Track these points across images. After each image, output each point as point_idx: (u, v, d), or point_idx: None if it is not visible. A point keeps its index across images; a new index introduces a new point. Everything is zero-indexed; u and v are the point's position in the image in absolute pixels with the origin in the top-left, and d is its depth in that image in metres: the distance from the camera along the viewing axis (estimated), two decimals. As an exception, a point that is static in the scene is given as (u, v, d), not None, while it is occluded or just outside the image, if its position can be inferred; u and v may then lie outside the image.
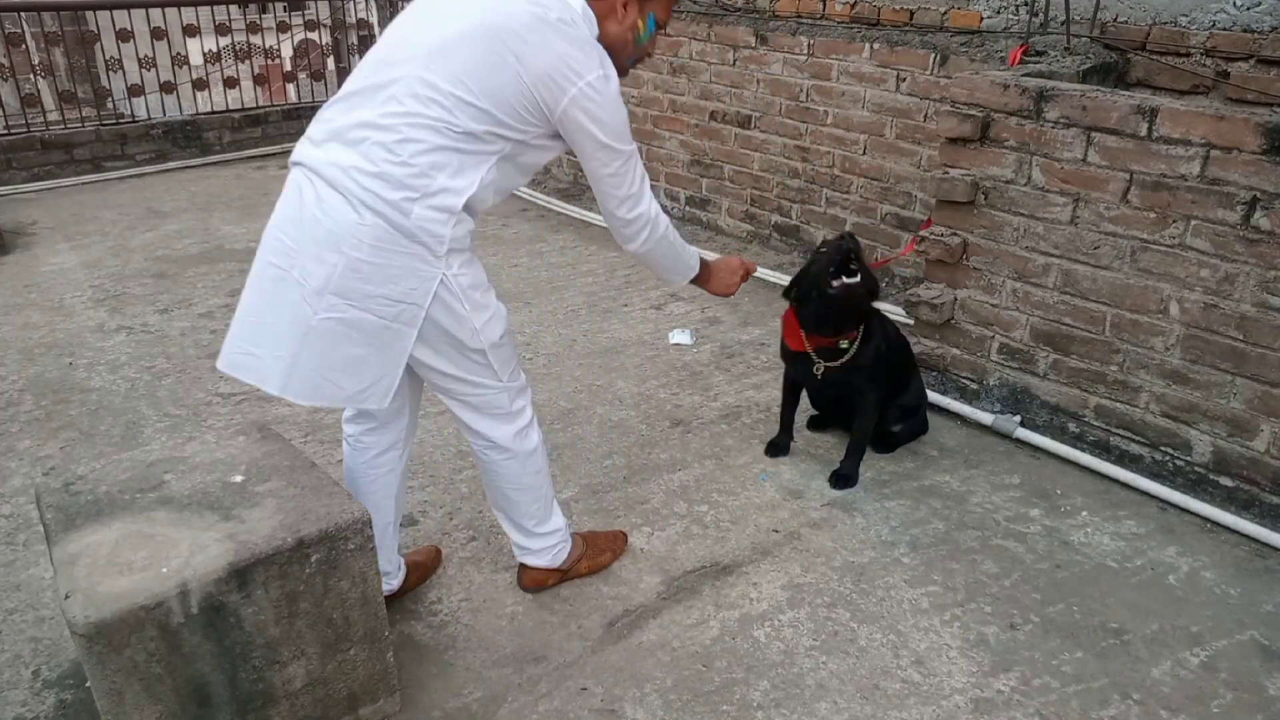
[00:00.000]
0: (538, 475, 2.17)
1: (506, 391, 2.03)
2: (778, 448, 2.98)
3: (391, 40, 1.85)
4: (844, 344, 2.69)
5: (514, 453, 2.09)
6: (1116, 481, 2.83)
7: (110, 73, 6.19)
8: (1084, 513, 2.71)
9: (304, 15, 7.54)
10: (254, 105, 6.88)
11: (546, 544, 2.28)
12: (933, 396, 3.25)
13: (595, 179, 1.90)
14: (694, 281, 2.22)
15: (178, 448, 1.98)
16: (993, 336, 3.12)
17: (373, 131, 1.75)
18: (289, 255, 1.80)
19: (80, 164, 6.11)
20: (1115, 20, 3.51)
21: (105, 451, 2.96)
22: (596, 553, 2.41)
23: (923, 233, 3.17)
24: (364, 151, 1.75)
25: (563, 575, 2.36)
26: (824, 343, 2.71)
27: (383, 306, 1.78)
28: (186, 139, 6.50)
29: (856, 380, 2.74)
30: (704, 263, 2.21)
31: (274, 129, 6.88)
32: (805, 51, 4.30)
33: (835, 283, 2.57)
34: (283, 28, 7.09)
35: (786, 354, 2.86)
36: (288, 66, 7.26)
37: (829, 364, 2.72)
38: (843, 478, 2.81)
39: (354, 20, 7.83)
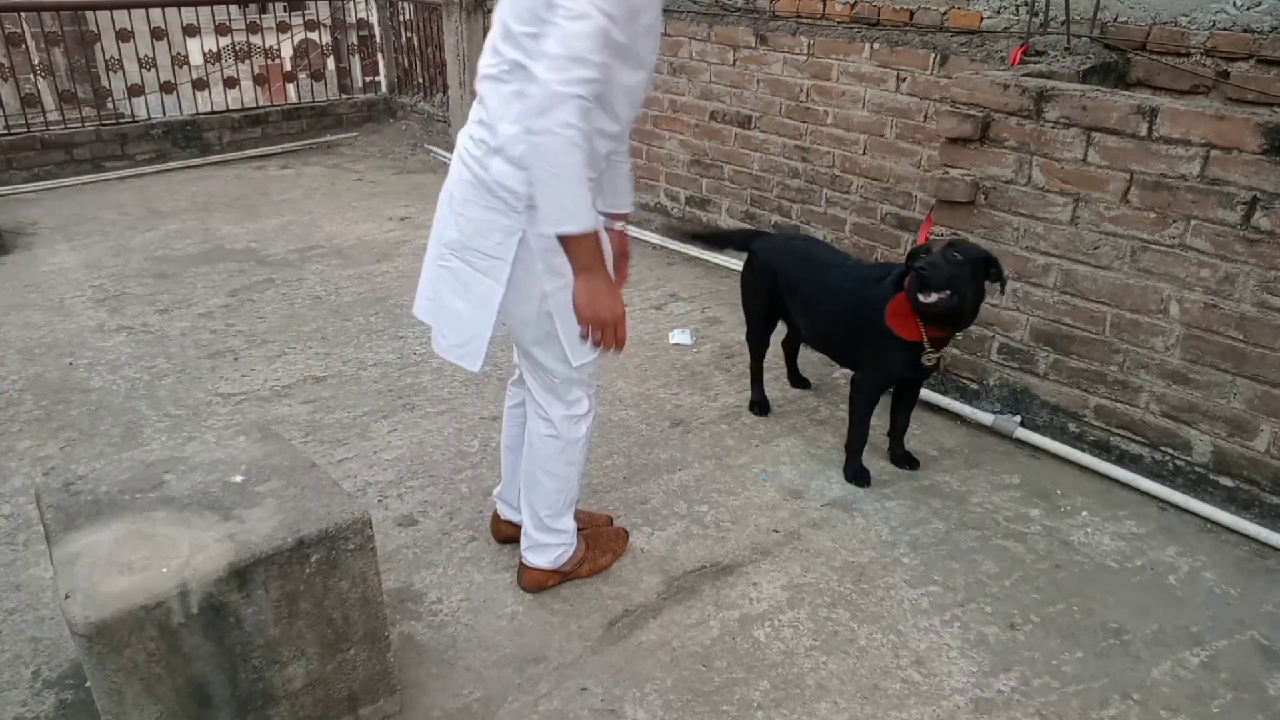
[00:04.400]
0: (570, 467, 2.21)
1: (566, 382, 2.09)
2: (863, 475, 2.83)
3: None
4: (958, 335, 2.72)
5: (560, 434, 2.15)
6: (1116, 481, 2.83)
7: (110, 73, 6.19)
8: (1084, 513, 2.71)
9: (304, 15, 7.55)
10: (254, 105, 6.88)
11: (553, 541, 2.29)
12: (933, 396, 3.25)
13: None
14: (575, 265, 1.86)
15: (178, 448, 1.98)
16: (993, 336, 3.12)
17: (479, 86, 1.91)
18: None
19: (80, 164, 6.11)
20: (1115, 20, 3.51)
21: (105, 451, 2.96)
22: (598, 554, 2.42)
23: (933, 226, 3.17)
24: (473, 110, 1.94)
25: (563, 576, 2.36)
26: (938, 334, 2.61)
27: (476, 259, 1.94)
28: (186, 139, 6.51)
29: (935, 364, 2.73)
30: (592, 248, 1.83)
31: (274, 129, 6.89)
32: (805, 51, 4.30)
33: (923, 298, 2.49)
34: (283, 28, 7.09)
35: (894, 350, 2.67)
36: (288, 66, 7.26)
37: (939, 353, 2.66)
38: (910, 458, 2.91)
39: (354, 20, 7.84)
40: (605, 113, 1.85)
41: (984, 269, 2.53)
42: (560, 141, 1.70)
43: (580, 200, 1.77)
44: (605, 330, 1.90)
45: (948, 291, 2.46)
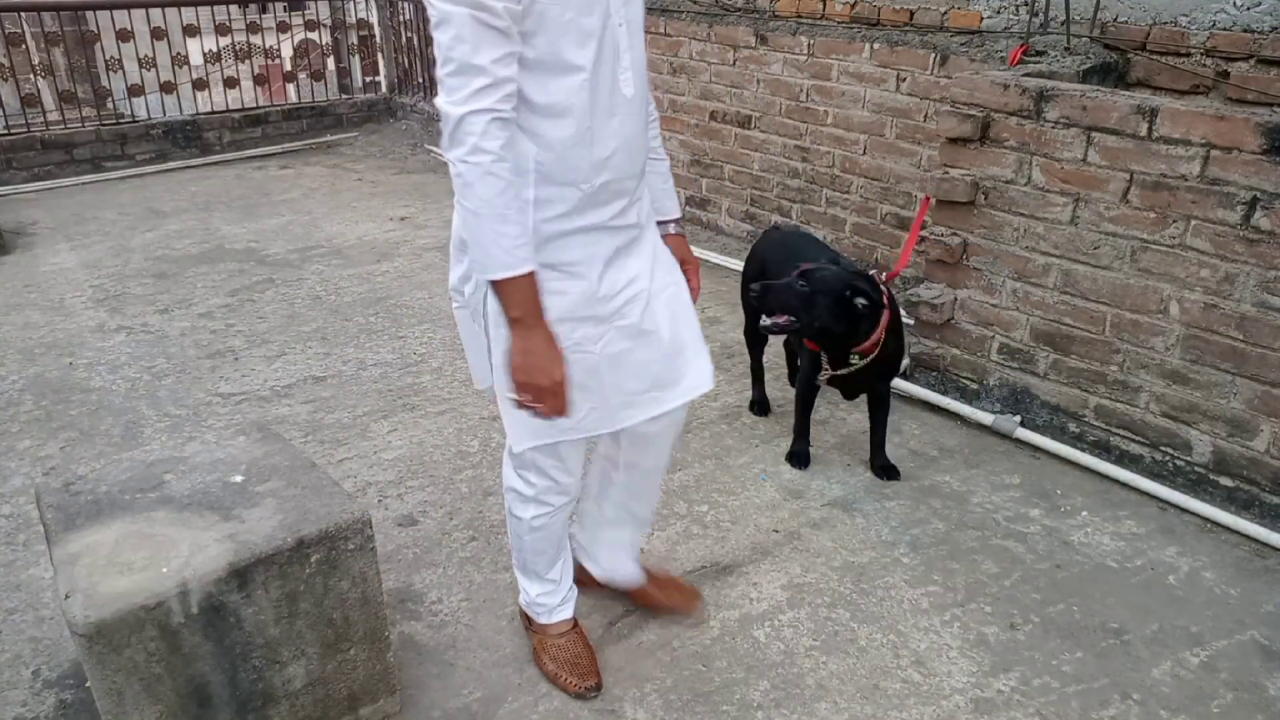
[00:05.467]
0: (514, 536, 2.01)
1: (516, 455, 1.85)
2: (800, 458, 2.91)
3: None
4: (854, 359, 2.66)
5: (505, 494, 1.98)
6: (1116, 481, 2.83)
7: (110, 73, 6.19)
8: (1084, 513, 2.71)
9: (304, 15, 7.55)
10: (254, 105, 6.88)
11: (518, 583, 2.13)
12: (933, 396, 3.25)
13: None
14: (507, 317, 1.57)
15: (178, 448, 1.98)
16: (993, 336, 3.12)
17: None
18: None
19: (80, 164, 6.11)
20: (1115, 20, 3.51)
21: (105, 451, 2.96)
22: (560, 666, 2.06)
23: (921, 232, 3.17)
24: None
25: (527, 625, 2.18)
26: (832, 353, 2.70)
27: (457, 299, 1.78)
28: (186, 139, 6.51)
29: (874, 379, 2.77)
30: (524, 298, 1.53)
31: (274, 129, 6.89)
32: (805, 51, 4.30)
33: (764, 323, 2.60)
34: (283, 28, 7.10)
35: (813, 358, 2.78)
36: (288, 66, 7.26)
37: (835, 372, 2.71)
38: (889, 469, 2.86)
39: (354, 20, 7.84)
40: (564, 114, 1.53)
41: (840, 295, 2.52)
42: (471, 172, 1.44)
43: (502, 239, 1.48)
44: (542, 397, 1.58)
45: (786, 317, 2.55)
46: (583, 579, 2.22)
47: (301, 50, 7.50)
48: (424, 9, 6.87)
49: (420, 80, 7.36)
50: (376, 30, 7.83)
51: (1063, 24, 3.46)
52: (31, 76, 6.26)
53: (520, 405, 1.61)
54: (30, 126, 6.03)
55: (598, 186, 1.60)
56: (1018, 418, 3.08)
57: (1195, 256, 2.60)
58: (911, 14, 3.96)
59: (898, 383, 3.17)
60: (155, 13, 6.36)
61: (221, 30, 6.56)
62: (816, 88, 4.31)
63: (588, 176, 1.58)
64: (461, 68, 1.40)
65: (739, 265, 4.52)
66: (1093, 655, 2.18)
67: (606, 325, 1.70)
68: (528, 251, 1.51)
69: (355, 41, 8.20)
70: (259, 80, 6.83)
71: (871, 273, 2.70)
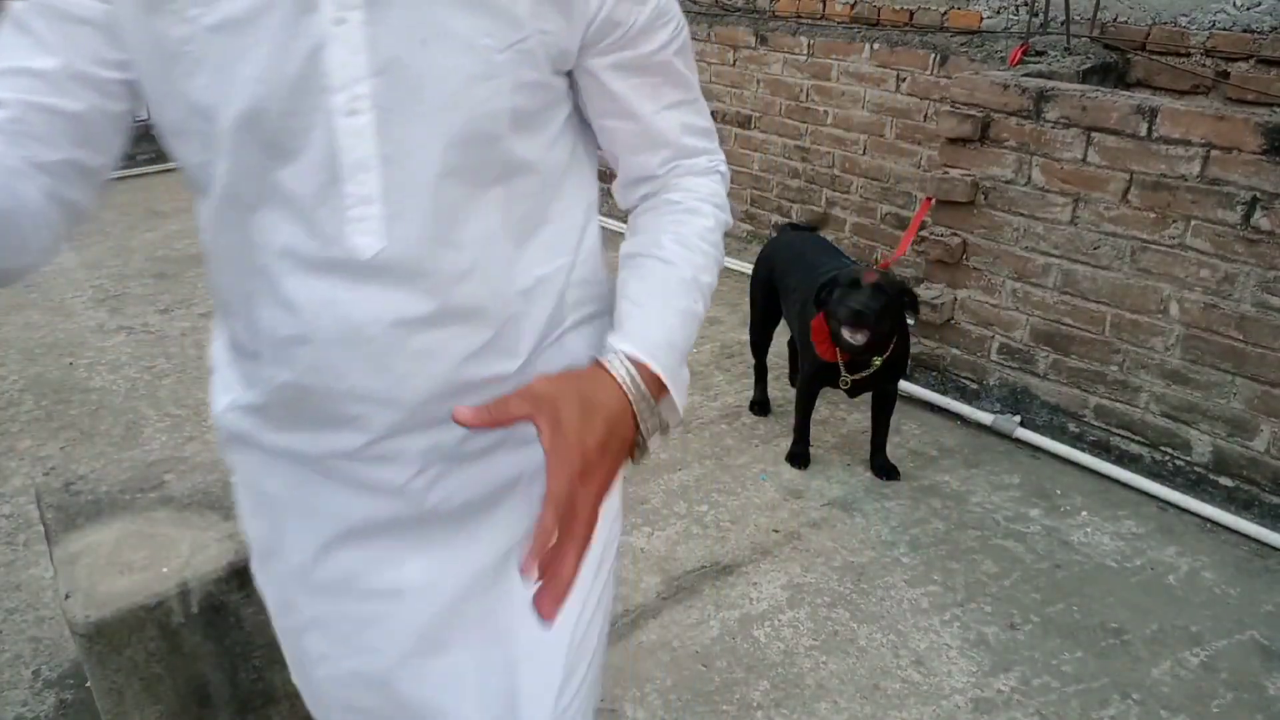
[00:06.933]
0: None
1: None
2: (800, 458, 2.90)
3: None
4: (875, 360, 2.66)
5: None
6: (1116, 481, 2.83)
7: (110, 73, 6.19)
8: (1084, 512, 2.71)
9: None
10: (254, 105, 6.88)
11: None
12: (932, 396, 3.25)
13: None
14: None
15: (178, 447, 1.98)
16: (993, 336, 3.12)
17: None
18: None
19: (80, 164, 6.11)
20: (1115, 20, 3.51)
21: (106, 451, 2.96)
22: None
23: (924, 217, 3.18)
24: None
25: None
26: (855, 357, 2.68)
27: None
28: (187, 139, 6.50)
29: (882, 381, 2.76)
30: None
31: (274, 129, 6.88)
32: (805, 51, 4.30)
33: (848, 335, 2.54)
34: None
35: (815, 362, 2.76)
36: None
37: (855, 376, 2.70)
38: (889, 469, 2.85)
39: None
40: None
41: (900, 301, 2.59)
42: None
43: None
44: None
45: (865, 332, 2.52)
46: None
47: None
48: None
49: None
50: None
51: (1063, 24, 3.46)
52: (32, 76, 6.25)
53: None
54: (30, 126, 6.02)
55: (278, 386, 0.89)
56: (1017, 417, 3.08)
57: (1195, 256, 2.60)
58: (911, 14, 3.96)
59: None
60: (155, 13, 6.36)
61: (222, 30, 6.55)
62: (816, 88, 4.31)
63: (256, 363, 0.92)
64: None
65: (738, 265, 4.52)
66: (1092, 655, 2.18)
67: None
68: None
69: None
70: (259, 80, 6.83)
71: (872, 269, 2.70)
